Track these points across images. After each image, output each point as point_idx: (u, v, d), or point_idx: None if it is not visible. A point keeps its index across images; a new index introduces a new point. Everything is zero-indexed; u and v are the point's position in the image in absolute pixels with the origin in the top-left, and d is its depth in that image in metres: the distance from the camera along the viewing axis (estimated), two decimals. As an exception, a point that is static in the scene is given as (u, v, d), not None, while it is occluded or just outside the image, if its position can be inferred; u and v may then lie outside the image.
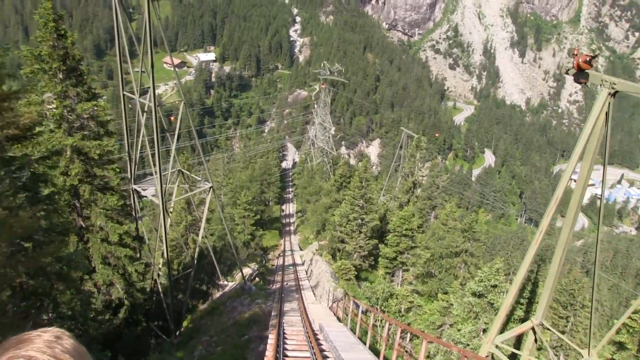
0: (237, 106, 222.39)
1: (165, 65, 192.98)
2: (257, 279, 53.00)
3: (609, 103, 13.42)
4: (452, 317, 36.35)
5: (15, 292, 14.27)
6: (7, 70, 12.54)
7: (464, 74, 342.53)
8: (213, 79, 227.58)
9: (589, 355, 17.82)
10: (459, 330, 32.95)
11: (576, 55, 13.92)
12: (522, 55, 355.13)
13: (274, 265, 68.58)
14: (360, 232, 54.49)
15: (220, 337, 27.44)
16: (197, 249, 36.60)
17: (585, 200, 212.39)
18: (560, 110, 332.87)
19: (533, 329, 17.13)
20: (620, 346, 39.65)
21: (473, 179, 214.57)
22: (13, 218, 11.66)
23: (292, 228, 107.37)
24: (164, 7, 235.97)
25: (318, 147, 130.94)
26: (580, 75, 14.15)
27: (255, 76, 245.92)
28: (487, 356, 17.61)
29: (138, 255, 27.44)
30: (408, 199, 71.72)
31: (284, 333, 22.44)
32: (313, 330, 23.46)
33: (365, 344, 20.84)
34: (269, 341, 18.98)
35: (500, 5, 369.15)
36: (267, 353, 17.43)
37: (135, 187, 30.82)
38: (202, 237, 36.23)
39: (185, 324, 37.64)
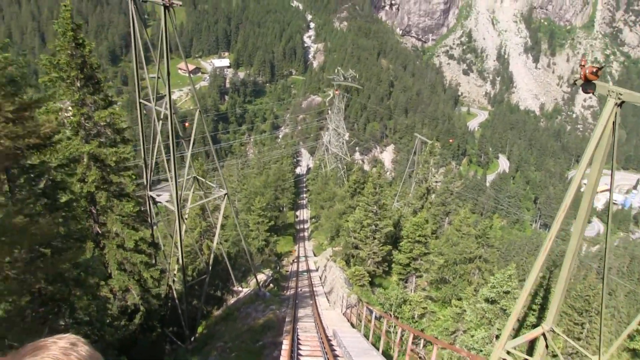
0: (251, 112, 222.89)
1: (179, 71, 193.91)
2: (271, 285, 53.18)
3: (616, 113, 13.64)
4: (466, 324, 36.29)
5: (34, 297, 14.45)
6: (28, 79, 12.77)
7: (477, 80, 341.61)
8: (227, 85, 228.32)
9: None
10: (472, 336, 32.90)
11: (583, 66, 14.17)
12: (536, 60, 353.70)
13: (288, 271, 68.70)
14: (374, 238, 54.48)
15: (235, 343, 27.60)
16: (211, 255, 36.79)
17: (600, 206, 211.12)
18: (574, 116, 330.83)
19: (544, 334, 17.14)
20: (635, 353, 39.38)
21: (487, 184, 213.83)
22: (33, 225, 11.87)
23: (306, 234, 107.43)
24: (179, 14, 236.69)
25: (332, 153, 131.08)
26: (588, 85, 14.40)
27: (269, 82, 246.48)
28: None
29: (153, 261, 27.65)
30: (422, 205, 71.68)
31: (298, 339, 22.57)
32: (327, 336, 23.57)
33: (378, 349, 20.92)
34: (283, 347, 19.10)
35: (514, 11, 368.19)
36: (281, 359, 17.56)
37: (150, 193, 31.10)
38: (217, 243, 36.43)
39: (199, 329, 37.86)
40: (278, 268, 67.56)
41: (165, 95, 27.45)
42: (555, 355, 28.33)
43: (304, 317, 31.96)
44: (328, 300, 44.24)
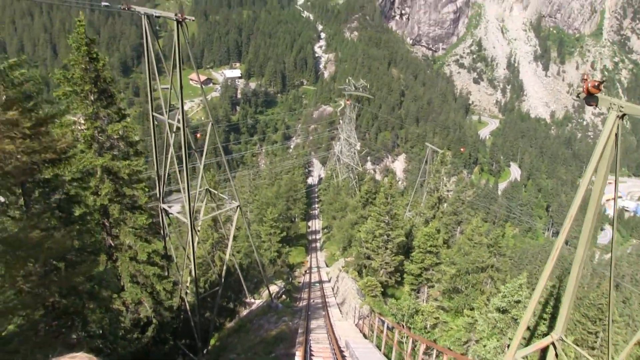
0: (263, 122, 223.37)
1: (191, 82, 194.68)
2: (283, 296, 53.09)
3: (618, 125, 13.91)
4: (478, 333, 36.15)
5: (48, 311, 14.52)
6: (44, 95, 12.94)
7: (488, 88, 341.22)
8: (239, 96, 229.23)
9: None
10: (484, 346, 32.74)
11: (586, 80, 14.48)
12: (546, 68, 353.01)
13: (300, 282, 68.63)
14: (386, 249, 54.36)
15: (248, 355, 27.60)
16: (224, 267, 36.83)
17: (613, 213, 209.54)
18: (585, 123, 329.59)
19: (553, 344, 17.11)
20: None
21: (499, 193, 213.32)
22: (48, 239, 11.98)
23: (318, 244, 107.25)
24: (191, 25, 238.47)
25: (344, 163, 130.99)
26: (590, 98, 14.74)
27: (280, 92, 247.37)
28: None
29: (166, 273, 27.73)
30: (433, 215, 71.47)
31: (310, 350, 22.56)
32: (339, 347, 23.56)
33: (390, 360, 20.90)
34: (296, 359, 19.11)
35: (523, 19, 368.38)
36: (294, 371, 17.59)
37: (163, 205, 31.22)
38: (229, 255, 36.48)
39: (212, 342, 37.85)
40: (290, 279, 67.48)
41: (176, 106, 27.64)
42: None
43: (317, 329, 31.91)
44: (340, 311, 44.17)
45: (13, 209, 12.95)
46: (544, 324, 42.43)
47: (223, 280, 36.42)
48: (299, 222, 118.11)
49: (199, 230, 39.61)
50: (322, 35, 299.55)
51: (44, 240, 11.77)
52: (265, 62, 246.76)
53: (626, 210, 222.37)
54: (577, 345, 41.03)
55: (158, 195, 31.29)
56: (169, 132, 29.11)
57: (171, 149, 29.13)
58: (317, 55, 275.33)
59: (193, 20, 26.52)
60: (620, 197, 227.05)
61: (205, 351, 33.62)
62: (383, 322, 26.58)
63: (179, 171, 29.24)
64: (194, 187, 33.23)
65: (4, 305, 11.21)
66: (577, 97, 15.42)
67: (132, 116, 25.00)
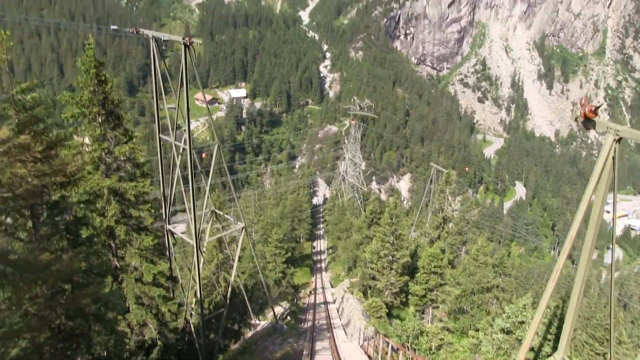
0: (268, 142, 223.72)
1: (197, 101, 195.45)
2: (288, 317, 52.98)
3: (615, 148, 14.19)
4: (482, 355, 35.98)
5: (54, 333, 14.55)
6: (54, 119, 13.11)
7: (492, 107, 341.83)
8: (244, 115, 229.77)
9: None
10: (490, 367, 32.64)
11: (583, 105, 14.86)
12: (550, 87, 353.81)
13: (305, 303, 68.44)
14: (391, 269, 54.28)
15: (253, 377, 27.52)
16: (229, 288, 36.79)
17: (618, 232, 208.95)
18: (589, 141, 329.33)
19: (556, 364, 17.15)
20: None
21: (504, 212, 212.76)
22: (57, 261, 12.06)
23: (323, 265, 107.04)
24: (197, 46, 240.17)
25: (349, 183, 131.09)
26: (588, 123, 15.09)
27: (285, 112, 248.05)
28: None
29: (171, 294, 27.73)
30: (438, 235, 71.35)
31: (316, 372, 22.52)
32: (345, 370, 23.50)
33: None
34: (302, 381, 19.10)
35: (527, 39, 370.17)
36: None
37: (168, 227, 31.30)
38: (234, 276, 36.46)
39: (217, 363, 37.72)
40: (295, 300, 67.32)
41: (182, 126, 27.80)
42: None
43: (322, 350, 31.86)
44: (345, 332, 44.03)
45: (21, 231, 13.03)
46: (548, 344, 42.21)
47: (228, 301, 36.37)
48: (304, 242, 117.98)
49: (204, 251, 39.65)
50: (327, 55, 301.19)
51: (53, 262, 11.85)
52: (270, 82, 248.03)
53: (632, 229, 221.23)
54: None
55: (164, 216, 31.37)
56: (175, 153, 29.26)
57: (177, 171, 29.25)
58: (322, 74, 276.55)
59: (200, 44, 26.76)
60: (625, 215, 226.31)
61: (210, 373, 33.52)
62: (388, 343, 26.49)
63: (185, 191, 29.33)
64: (199, 207, 33.32)
65: (9, 329, 11.24)
66: (575, 121, 15.73)
67: (139, 137, 25.11)
